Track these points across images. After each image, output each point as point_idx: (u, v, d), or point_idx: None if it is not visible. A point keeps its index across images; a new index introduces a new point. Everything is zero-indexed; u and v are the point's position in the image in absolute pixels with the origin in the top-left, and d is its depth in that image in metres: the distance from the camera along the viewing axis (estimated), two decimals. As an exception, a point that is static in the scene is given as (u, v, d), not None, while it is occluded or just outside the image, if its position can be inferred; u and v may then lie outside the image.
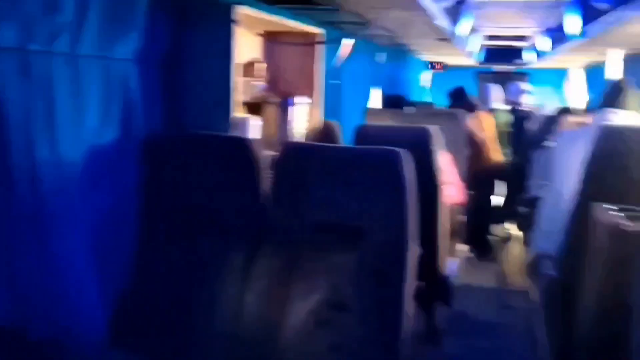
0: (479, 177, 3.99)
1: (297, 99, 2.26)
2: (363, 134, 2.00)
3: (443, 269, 2.12)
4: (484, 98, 5.42)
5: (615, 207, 1.41)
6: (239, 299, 1.19)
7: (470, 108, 4.07)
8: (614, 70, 4.73)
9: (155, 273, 1.28)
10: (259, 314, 1.20)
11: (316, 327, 1.17)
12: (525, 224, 3.43)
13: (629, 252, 1.26)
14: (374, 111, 4.19)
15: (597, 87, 6.67)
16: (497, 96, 5.29)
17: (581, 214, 1.89)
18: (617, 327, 1.26)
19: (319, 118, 2.11)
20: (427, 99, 8.30)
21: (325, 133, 1.98)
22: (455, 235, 3.27)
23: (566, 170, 2.40)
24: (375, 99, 4.86)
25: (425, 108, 6.33)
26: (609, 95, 2.41)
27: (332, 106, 3.02)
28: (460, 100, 4.29)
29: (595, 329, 1.38)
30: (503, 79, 7.44)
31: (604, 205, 1.45)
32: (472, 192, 3.91)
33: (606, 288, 1.33)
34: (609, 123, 1.84)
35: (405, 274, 1.14)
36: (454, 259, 2.31)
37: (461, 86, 4.62)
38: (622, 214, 1.35)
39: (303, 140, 2.24)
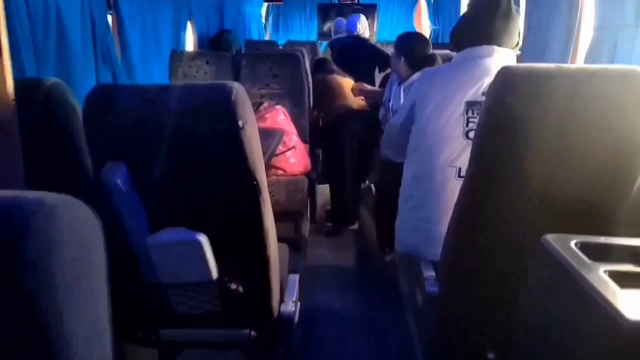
0: (329, 131, 3.18)
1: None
2: (102, 104, 1.02)
3: (279, 307, 1.36)
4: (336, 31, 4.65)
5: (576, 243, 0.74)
6: None
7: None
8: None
9: None
10: None
11: None
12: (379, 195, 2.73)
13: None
14: (188, 55, 3.15)
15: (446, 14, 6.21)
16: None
17: (476, 206, 1.24)
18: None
19: (7, 75, 0.94)
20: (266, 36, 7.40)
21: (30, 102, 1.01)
22: (300, 215, 2.54)
23: (434, 130, 1.72)
24: (190, 37, 3.73)
25: (264, 47, 5.42)
26: (479, 15, 1.69)
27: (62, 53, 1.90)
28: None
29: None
30: (348, 12, 6.75)
31: (561, 241, 0.76)
32: (319, 152, 3.19)
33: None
34: (507, 65, 1.17)
35: None
36: (294, 275, 1.56)
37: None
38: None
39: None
